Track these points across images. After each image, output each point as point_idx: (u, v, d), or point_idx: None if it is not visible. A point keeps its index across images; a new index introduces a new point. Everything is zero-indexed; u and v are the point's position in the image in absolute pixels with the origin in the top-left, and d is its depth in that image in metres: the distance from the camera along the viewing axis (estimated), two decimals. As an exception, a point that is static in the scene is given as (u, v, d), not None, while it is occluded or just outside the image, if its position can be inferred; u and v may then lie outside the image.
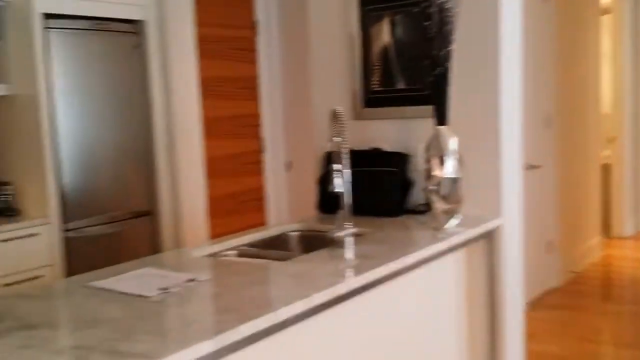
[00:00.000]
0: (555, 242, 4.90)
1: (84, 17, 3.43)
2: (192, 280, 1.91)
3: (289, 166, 4.75)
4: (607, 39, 6.31)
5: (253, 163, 4.62)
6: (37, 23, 3.22)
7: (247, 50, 4.50)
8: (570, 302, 4.61)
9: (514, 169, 2.85)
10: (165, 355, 1.37)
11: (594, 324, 4.20)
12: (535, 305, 4.39)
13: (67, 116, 3.40)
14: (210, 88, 4.17)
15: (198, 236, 4.01)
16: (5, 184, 3.37)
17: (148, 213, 3.81)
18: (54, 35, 3.32)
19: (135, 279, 1.95)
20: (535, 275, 4.20)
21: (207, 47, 4.14)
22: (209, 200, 4.17)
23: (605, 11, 6.17)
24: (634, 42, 6.40)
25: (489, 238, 2.72)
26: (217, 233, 4.19)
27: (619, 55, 6.36)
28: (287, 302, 1.67)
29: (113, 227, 3.61)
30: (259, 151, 4.64)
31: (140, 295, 1.79)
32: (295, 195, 4.71)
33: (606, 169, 6.28)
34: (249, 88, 4.54)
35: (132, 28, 3.69)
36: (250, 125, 4.57)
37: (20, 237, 3.15)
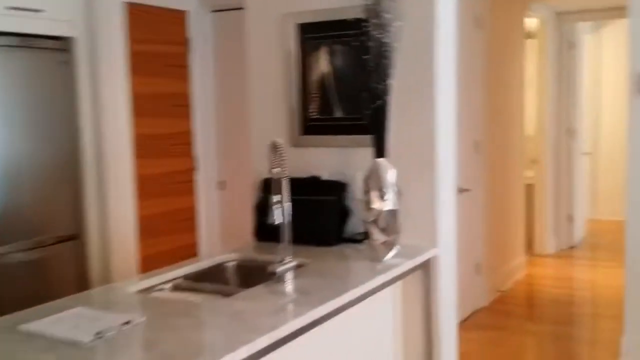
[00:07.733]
0: (484, 263, 5.03)
1: (6, 33, 3.27)
2: (127, 322, 1.84)
3: (221, 185, 4.69)
4: (531, 63, 6.56)
5: (185, 182, 4.53)
6: (-43, 39, 3.05)
7: (179, 67, 4.42)
8: (497, 321, 4.73)
9: (450, 198, 2.90)
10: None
11: (519, 344, 4.34)
12: (465, 326, 4.48)
13: (-12, 136, 3.22)
14: (142, 105, 4.06)
15: (127, 260, 3.89)
16: None
17: (74, 237, 3.66)
18: (-26, 51, 3.15)
19: (69, 321, 1.86)
20: (466, 296, 4.28)
21: (140, 64, 4.03)
22: (139, 220, 4.05)
23: (529, 35, 6.41)
24: (556, 66, 6.69)
25: (425, 267, 2.76)
26: (148, 254, 4.08)
27: (543, 79, 6.62)
28: (230, 349, 1.62)
29: (37, 252, 3.44)
30: (191, 170, 4.55)
31: (75, 341, 1.70)
32: (227, 215, 4.66)
33: (529, 189, 6.51)
34: (181, 105, 4.46)
35: (59, 45, 3.55)
36: (182, 143, 4.48)
37: None
